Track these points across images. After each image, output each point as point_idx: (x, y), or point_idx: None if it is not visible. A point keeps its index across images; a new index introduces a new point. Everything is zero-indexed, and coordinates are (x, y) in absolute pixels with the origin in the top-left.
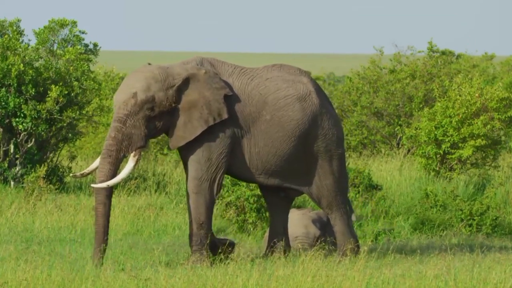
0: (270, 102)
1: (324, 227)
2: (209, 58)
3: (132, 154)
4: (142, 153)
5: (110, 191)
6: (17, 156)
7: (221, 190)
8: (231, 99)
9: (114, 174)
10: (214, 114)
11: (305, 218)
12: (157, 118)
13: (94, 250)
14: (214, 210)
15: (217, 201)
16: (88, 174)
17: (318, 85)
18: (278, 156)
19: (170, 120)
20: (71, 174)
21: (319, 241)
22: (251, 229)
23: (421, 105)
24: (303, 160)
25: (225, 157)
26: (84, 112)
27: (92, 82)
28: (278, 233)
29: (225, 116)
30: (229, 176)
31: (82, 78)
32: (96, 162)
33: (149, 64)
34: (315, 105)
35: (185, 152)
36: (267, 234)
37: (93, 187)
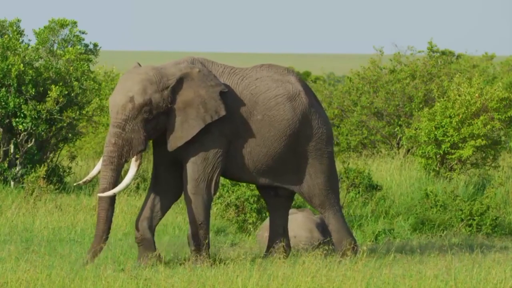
0: (261, 102)
1: (327, 230)
2: (199, 58)
3: (133, 159)
4: (142, 153)
5: (113, 197)
6: (17, 156)
7: (222, 190)
8: (226, 96)
9: (116, 181)
10: (211, 112)
11: (309, 221)
12: (154, 120)
13: (90, 249)
14: (214, 210)
15: (217, 201)
16: (90, 181)
17: (306, 84)
18: (269, 156)
19: (166, 120)
20: (74, 184)
21: (322, 245)
22: (251, 229)
23: (421, 105)
24: (293, 159)
25: (221, 157)
26: (84, 112)
27: (92, 82)
28: (278, 234)
29: (222, 113)
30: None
31: (82, 78)
32: (97, 168)
33: (139, 64)
34: (304, 104)
35: (180, 153)
36: (261, 232)
37: (102, 196)
